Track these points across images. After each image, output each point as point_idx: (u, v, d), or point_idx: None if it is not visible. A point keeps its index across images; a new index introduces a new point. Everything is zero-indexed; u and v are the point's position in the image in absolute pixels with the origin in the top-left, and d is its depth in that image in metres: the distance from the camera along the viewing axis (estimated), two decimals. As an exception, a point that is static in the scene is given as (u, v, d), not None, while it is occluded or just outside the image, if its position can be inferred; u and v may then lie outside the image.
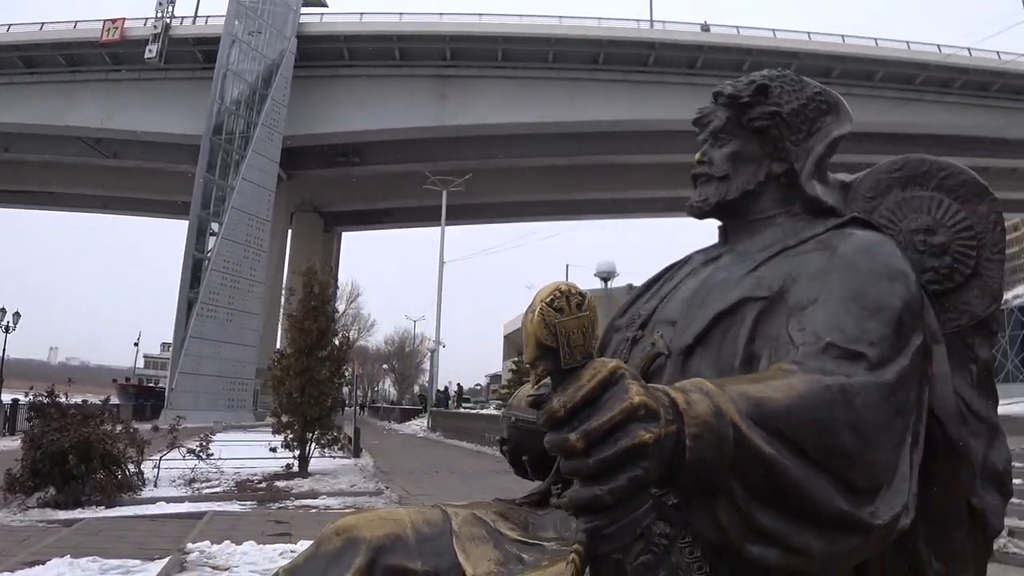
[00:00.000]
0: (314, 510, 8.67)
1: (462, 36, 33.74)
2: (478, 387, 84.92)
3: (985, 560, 1.48)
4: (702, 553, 1.09)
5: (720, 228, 1.72)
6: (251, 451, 12.50)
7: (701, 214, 1.65)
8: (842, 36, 36.06)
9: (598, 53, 34.32)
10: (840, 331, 1.17)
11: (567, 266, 36.45)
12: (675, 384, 0.97)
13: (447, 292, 42.66)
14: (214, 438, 10.98)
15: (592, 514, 0.87)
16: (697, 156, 1.69)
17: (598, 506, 0.86)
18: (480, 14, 34.37)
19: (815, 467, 0.97)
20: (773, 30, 35.70)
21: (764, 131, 1.59)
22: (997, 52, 38.72)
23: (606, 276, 17.99)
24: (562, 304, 0.87)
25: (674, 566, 1.05)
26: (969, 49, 38.09)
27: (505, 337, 72.65)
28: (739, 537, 0.96)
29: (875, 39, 36.60)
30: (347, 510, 8.69)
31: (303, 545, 5.64)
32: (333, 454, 12.80)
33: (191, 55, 35.31)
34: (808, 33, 35.90)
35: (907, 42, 37.14)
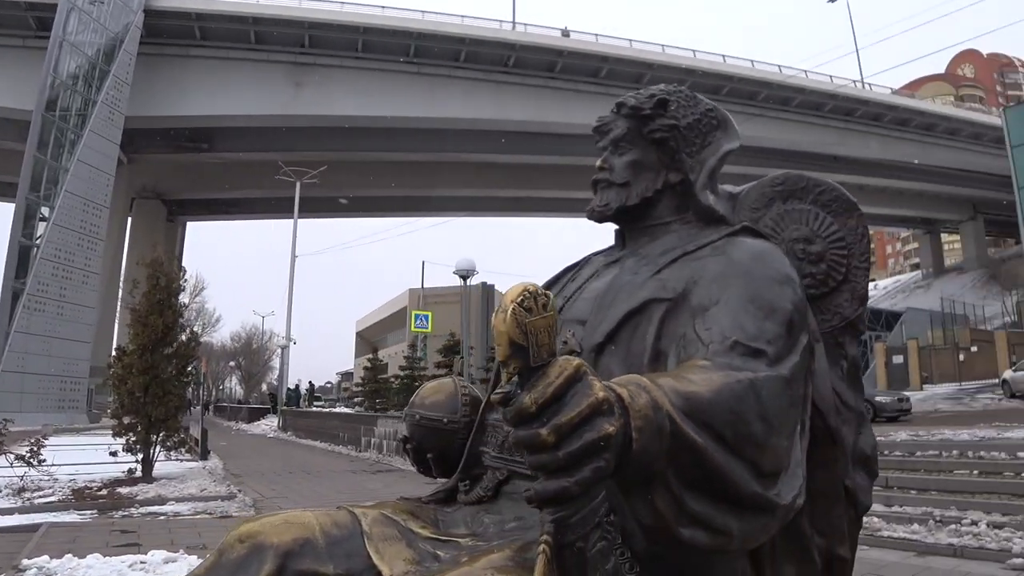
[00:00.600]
0: (162, 517, 8.14)
1: (321, 23, 32.64)
2: (329, 385, 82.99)
3: (856, 534, 1.63)
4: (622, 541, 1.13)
5: (617, 232, 1.80)
6: (88, 456, 11.61)
7: (602, 218, 1.72)
8: (693, 51, 38.17)
9: (460, 51, 34.35)
10: (742, 330, 1.26)
11: (423, 263, 36.40)
12: (614, 380, 1.01)
13: (298, 287, 41.27)
14: (46, 442, 10.03)
15: (558, 505, 0.91)
16: (598, 163, 1.76)
17: (565, 497, 0.89)
18: (342, 2, 33.39)
19: (733, 454, 1.04)
20: (630, 40, 37.19)
21: (663, 142, 1.68)
22: (830, 76, 42.49)
23: (465, 274, 18.01)
24: (531, 304, 0.89)
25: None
26: (806, 71, 41.46)
27: (358, 334, 71.49)
28: (673, 521, 1.02)
29: (723, 55, 39.09)
30: (198, 516, 8.27)
31: (154, 555, 5.36)
32: (180, 457, 12.09)
33: (23, 20, 32.00)
34: (663, 46, 37.71)
35: (751, 60, 39.93)
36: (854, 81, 44.13)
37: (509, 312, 0.88)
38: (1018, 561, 5.61)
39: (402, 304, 57.08)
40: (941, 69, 78.44)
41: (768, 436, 1.11)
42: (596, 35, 36.91)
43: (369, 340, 62.65)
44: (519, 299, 0.89)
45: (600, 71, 36.18)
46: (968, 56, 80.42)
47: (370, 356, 30.51)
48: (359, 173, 39.75)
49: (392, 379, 26.71)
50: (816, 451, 1.40)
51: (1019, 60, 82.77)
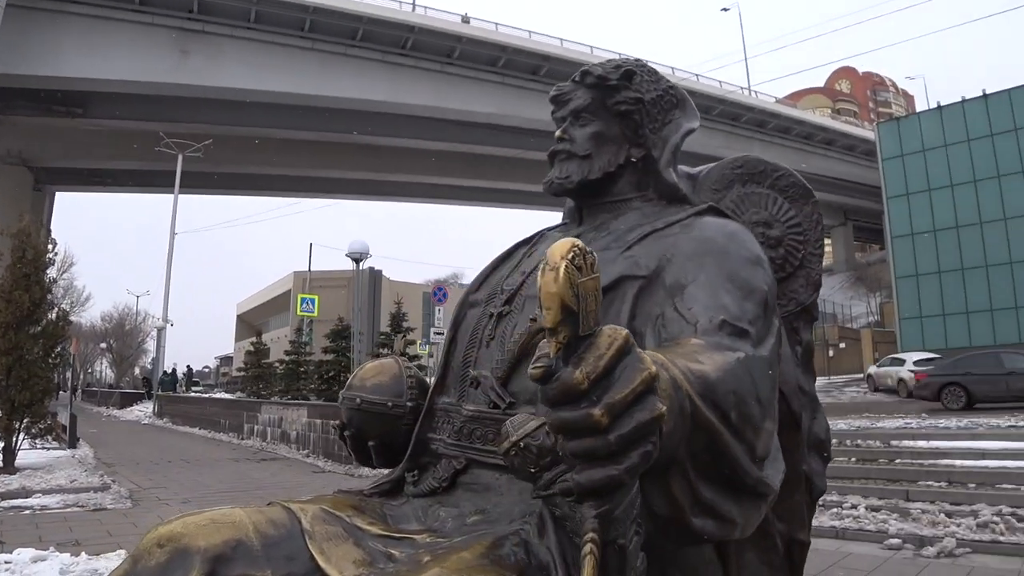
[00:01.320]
0: (27, 511, 7.47)
1: None
2: (207, 370, 79.58)
3: (811, 517, 1.65)
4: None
5: (575, 207, 1.73)
6: (-64, 444, 10.46)
7: (563, 191, 1.64)
8: (591, 47, 38.53)
9: (356, 29, 33.30)
10: (726, 309, 1.22)
11: (311, 244, 35.39)
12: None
13: (176, 267, 39.21)
14: None
15: (602, 497, 0.80)
16: (558, 133, 1.67)
17: (612, 487, 0.78)
18: None
19: (736, 436, 0.98)
20: (529, 32, 37.22)
21: (627, 115, 1.62)
22: (719, 81, 44.21)
23: (358, 257, 17.53)
24: (581, 262, 0.76)
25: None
26: (698, 75, 42.89)
27: (239, 318, 68.96)
28: (688, 510, 0.96)
29: (619, 53, 39.78)
30: (69, 509, 7.65)
31: (21, 554, 4.88)
32: (46, 445, 11.18)
33: None
34: (561, 39, 37.95)
35: (646, 60, 40.84)
36: (742, 88, 46.11)
37: (562, 270, 0.75)
38: (894, 542, 5.99)
39: (286, 287, 55.47)
40: (821, 83, 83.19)
41: (763, 419, 1.07)
42: (496, 24, 36.69)
43: (251, 324, 60.35)
44: (570, 255, 0.76)
45: (499, 60, 36.06)
46: (845, 73, 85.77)
47: (253, 340, 29.23)
48: (245, 149, 37.94)
49: (276, 364, 25.78)
50: (781, 436, 1.37)
51: (890, 80, 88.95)
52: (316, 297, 25.02)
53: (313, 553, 1.15)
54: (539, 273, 0.77)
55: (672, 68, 39.99)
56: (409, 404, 1.58)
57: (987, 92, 30.94)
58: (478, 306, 1.59)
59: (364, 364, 1.69)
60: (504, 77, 36.29)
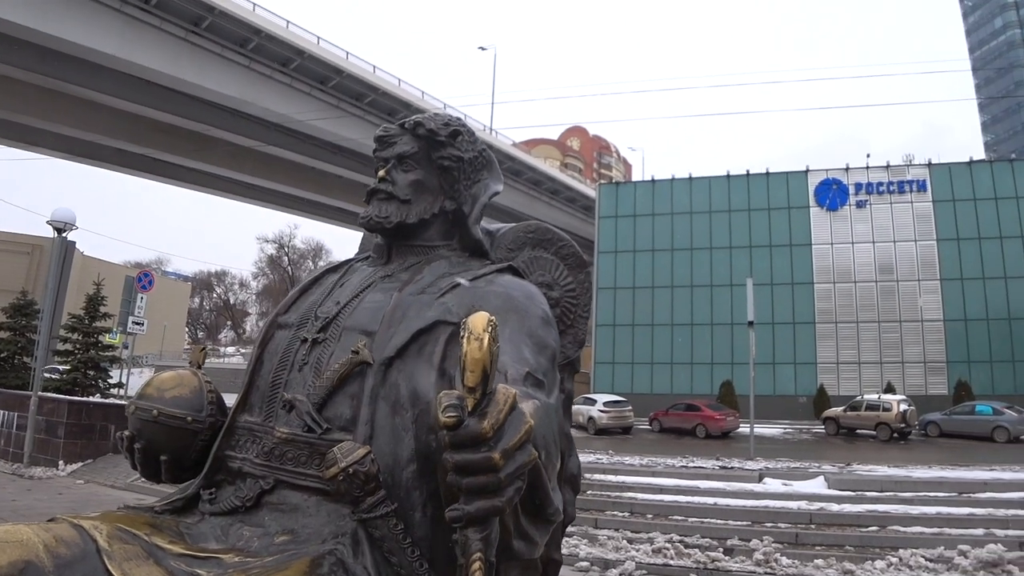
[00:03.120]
0: None
1: None
2: None
3: (560, 540, 1.89)
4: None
5: (384, 245, 1.83)
6: None
7: (381, 229, 1.77)
8: (346, 52, 37.84)
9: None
10: (527, 362, 1.43)
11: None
12: None
13: None
14: None
15: (485, 524, 0.96)
16: (381, 173, 1.80)
17: (494, 515, 0.96)
18: None
19: (545, 472, 1.16)
20: (287, 21, 35.39)
21: (447, 170, 1.80)
22: (465, 114, 45.44)
23: (62, 227, 15.48)
24: (495, 334, 0.96)
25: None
26: (445, 103, 43.20)
27: None
28: (512, 533, 1.12)
29: (374, 66, 39.55)
30: None
31: None
32: None
33: None
34: (319, 37, 36.68)
35: (399, 79, 41.14)
36: (484, 126, 48.36)
37: (486, 341, 0.93)
38: (583, 564, 6.72)
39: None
40: (555, 136, 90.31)
41: (557, 457, 1.28)
42: (254, 4, 34.67)
43: None
44: (489, 329, 0.94)
45: (249, 42, 34.10)
46: (577, 132, 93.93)
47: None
48: None
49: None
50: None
51: (614, 146, 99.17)
52: (-11, 262, 21.47)
53: (114, 574, 1.12)
54: (463, 339, 0.94)
55: (423, 92, 40.93)
56: (208, 420, 1.55)
57: (692, 176, 36.23)
58: (287, 328, 1.63)
59: (159, 373, 1.61)
60: (251, 60, 34.34)
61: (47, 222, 15.41)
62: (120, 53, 30.77)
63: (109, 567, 1.13)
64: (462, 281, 1.62)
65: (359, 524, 1.27)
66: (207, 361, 1.92)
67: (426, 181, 1.78)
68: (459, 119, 1.89)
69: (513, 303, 1.57)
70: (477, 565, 0.94)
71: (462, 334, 0.95)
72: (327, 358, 1.50)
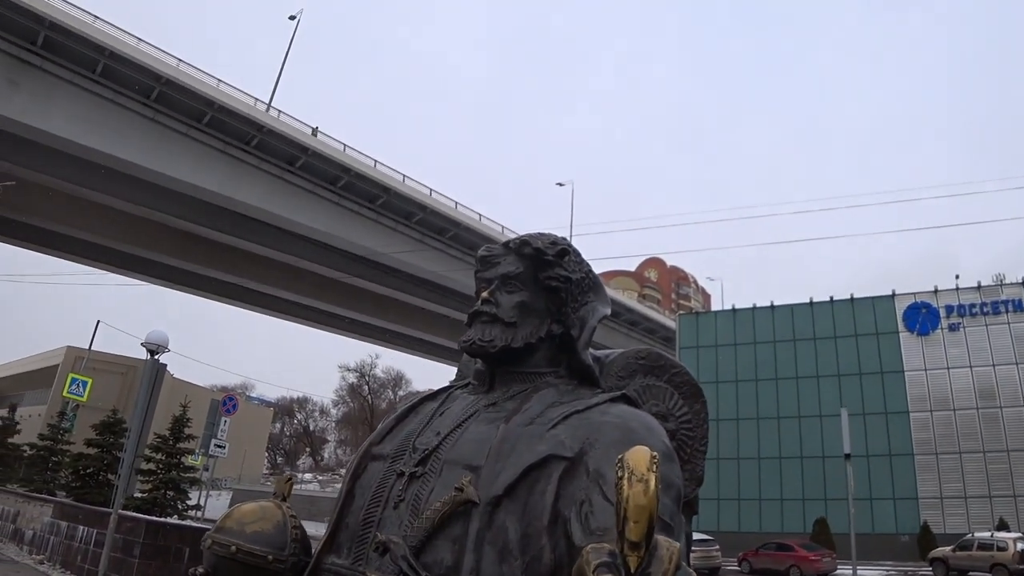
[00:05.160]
0: None
1: (61, 27, 28.34)
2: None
3: None
4: None
5: (486, 371, 1.70)
6: None
7: (484, 354, 1.64)
8: (430, 189, 39.52)
9: (205, 113, 32.17)
10: None
11: (98, 322, 32.11)
12: None
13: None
14: None
15: None
16: (485, 295, 1.68)
17: None
18: (96, 16, 29.70)
19: None
20: (375, 160, 37.55)
21: (555, 291, 1.68)
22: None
23: (155, 349, 16.03)
24: (659, 474, 0.85)
25: None
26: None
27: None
28: None
29: (456, 202, 40.22)
30: None
31: None
32: None
33: None
34: (403, 175, 38.32)
35: (480, 214, 41.66)
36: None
37: (652, 483, 0.80)
38: None
39: (54, 361, 49.99)
40: (632, 268, 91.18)
41: None
42: (344, 144, 37.05)
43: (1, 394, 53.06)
44: (654, 468, 0.82)
45: (339, 180, 36.15)
46: (654, 263, 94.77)
47: (4, 414, 25.46)
48: (54, 203, 34.25)
49: (25, 447, 22.41)
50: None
51: (692, 276, 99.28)
52: (90, 380, 22.46)
53: None
54: (624, 482, 0.81)
55: (503, 227, 41.89)
56: (291, 560, 1.42)
57: (774, 304, 35.49)
58: (382, 460, 1.51)
59: (241, 504, 1.50)
60: (341, 197, 36.26)
61: (141, 344, 16.11)
62: (222, 190, 33.13)
63: None
64: (573, 411, 1.48)
65: None
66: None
67: (531, 303, 1.66)
68: (565, 239, 1.80)
69: (632, 436, 1.41)
70: None
71: (620, 474, 0.81)
72: (426, 495, 1.37)
